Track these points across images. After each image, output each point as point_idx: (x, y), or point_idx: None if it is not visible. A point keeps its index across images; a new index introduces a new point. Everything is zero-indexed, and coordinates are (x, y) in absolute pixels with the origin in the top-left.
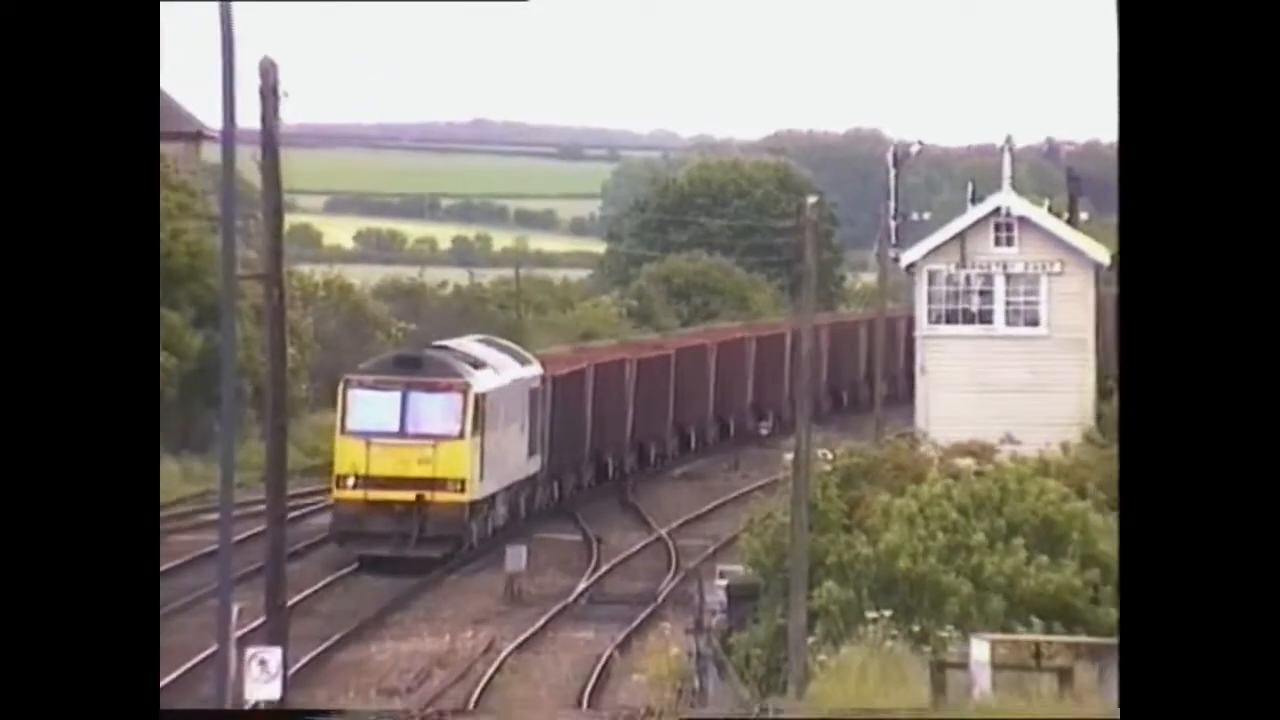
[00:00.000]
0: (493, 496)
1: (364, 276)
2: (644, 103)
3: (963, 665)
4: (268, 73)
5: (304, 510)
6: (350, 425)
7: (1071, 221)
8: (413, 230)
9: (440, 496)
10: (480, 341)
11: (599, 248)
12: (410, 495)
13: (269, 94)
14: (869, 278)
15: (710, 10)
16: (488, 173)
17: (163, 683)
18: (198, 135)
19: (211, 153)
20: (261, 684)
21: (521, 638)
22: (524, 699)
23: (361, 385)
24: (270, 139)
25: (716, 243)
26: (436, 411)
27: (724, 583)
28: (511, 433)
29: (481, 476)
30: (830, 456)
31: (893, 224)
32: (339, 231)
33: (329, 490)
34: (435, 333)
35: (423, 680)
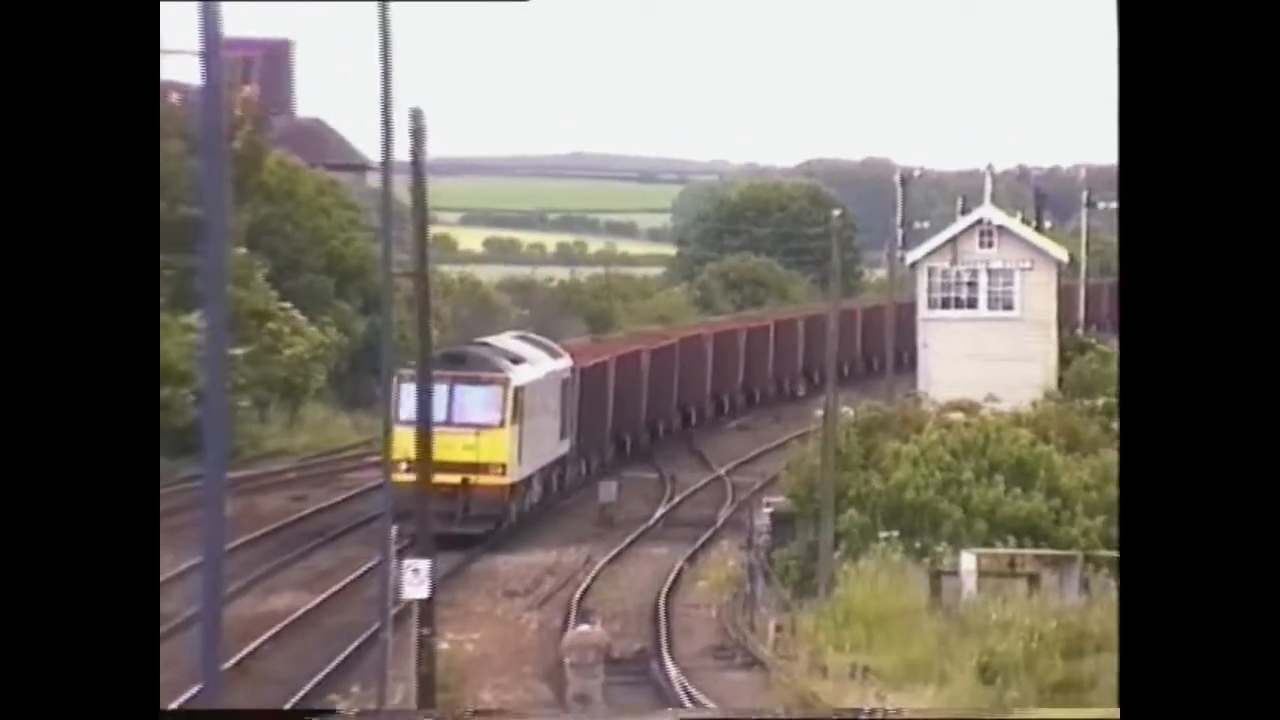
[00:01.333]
0: (530, 478)
1: (489, 275)
2: (704, 136)
3: (954, 573)
4: (416, 118)
5: None
6: (403, 415)
7: (1038, 229)
8: (526, 238)
9: (483, 479)
10: (518, 338)
11: (670, 250)
12: (456, 478)
13: (417, 134)
14: (881, 273)
15: (756, 63)
16: (584, 193)
17: (339, 587)
18: (364, 166)
19: (374, 180)
20: (415, 587)
21: (612, 553)
22: (622, 595)
23: (413, 380)
24: (418, 169)
25: (762, 246)
26: (479, 403)
27: (769, 511)
28: (546, 420)
29: (520, 460)
30: (852, 412)
31: (900, 231)
32: (470, 240)
33: None
34: (545, 317)
35: (537, 584)
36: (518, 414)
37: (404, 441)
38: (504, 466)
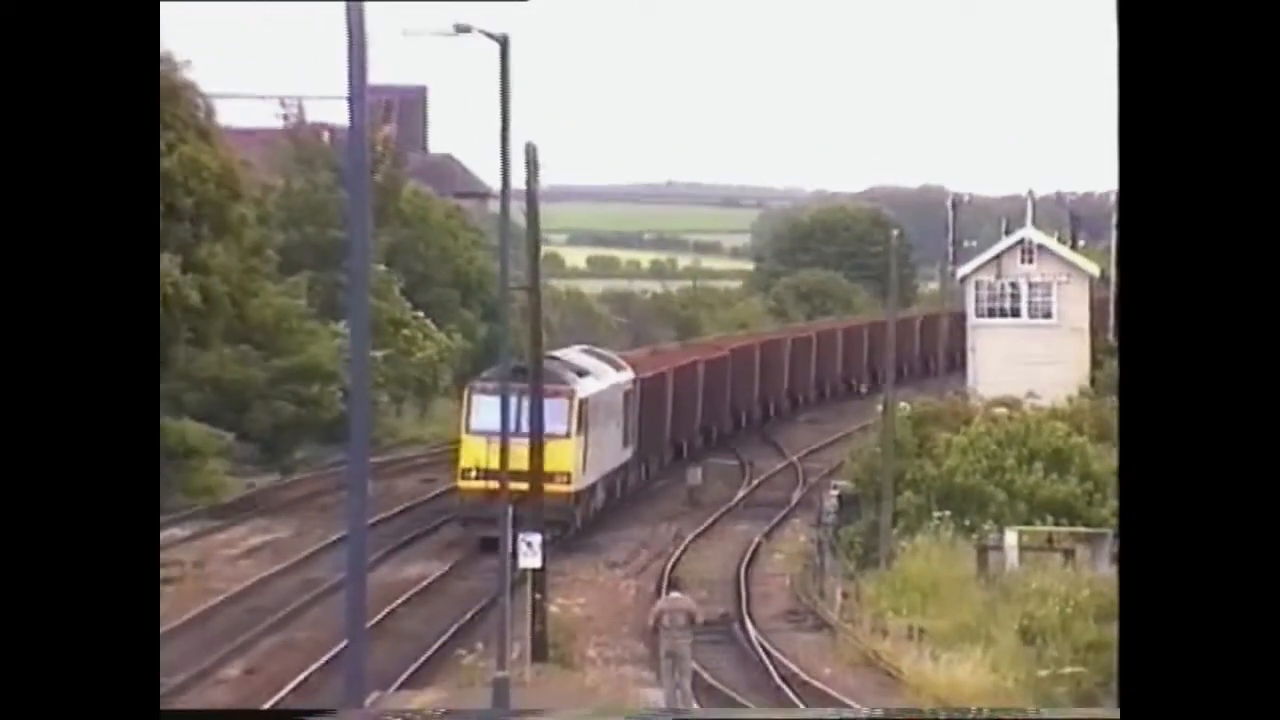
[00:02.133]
0: (594, 485)
1: (591, 288)
2: (780, 166)
3: (998, 548)
4: (530, 152)
5: None
6: (474, 425)
7: (1073, 247)
8: (624, 255)
9: (549, 487)
10: (584, 351)
11: (749, 266)
12: (524, 486)
13: (531, 166)
14: (934, 286)
15: (826, 100)
16: (674, 216)
17: (454, 563)
18: (486, 194)
19: (494, 206)
20: (529, 558)
21: (699, 530)
22: (706, 565)
23: (484, 391)
24: (531, 196)
25: (829, 263)
26: (548, 414)
27: (836, 493)
28: (610, 429)
29: (584, 469)
30: (909, 407)
31: (951, 249)
32: (576, 257)
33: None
34: (640, 325)
35: (633, 556)
36: (583, 425)
37: (473, 450)
38: (569, 475)
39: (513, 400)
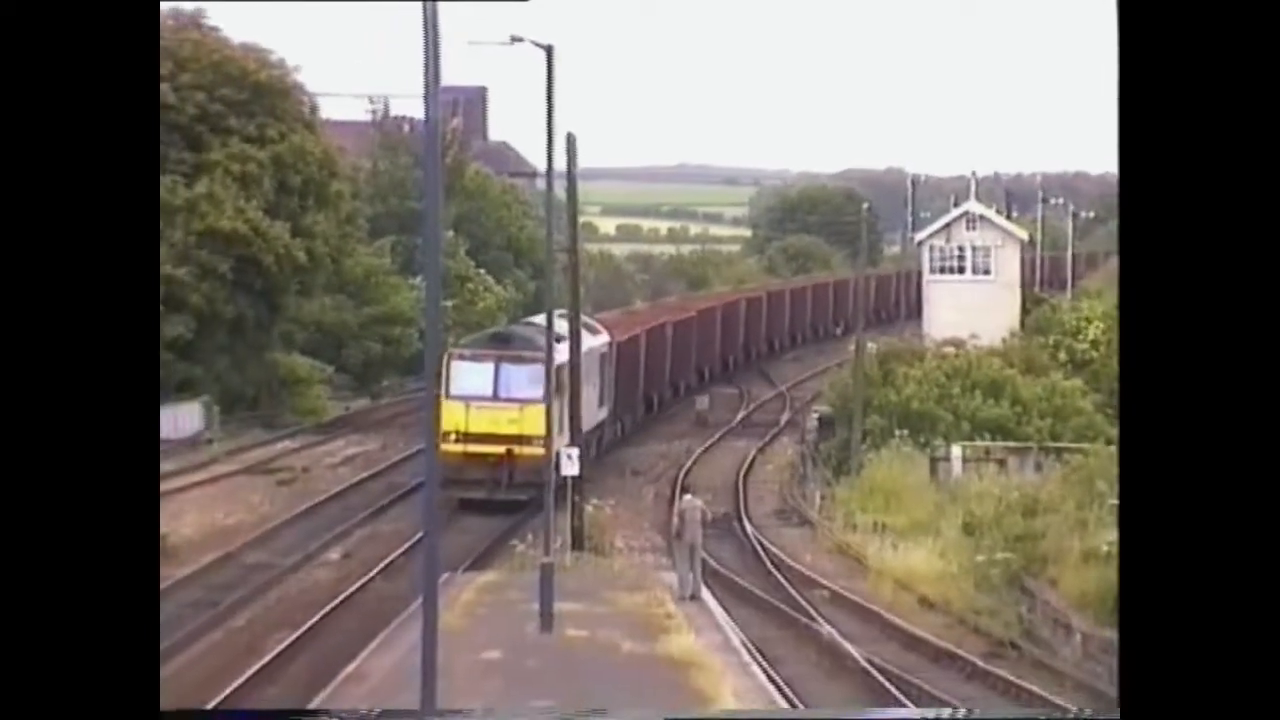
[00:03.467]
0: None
1: (619, 250)
2: (772, 151)
3: (946, 459)
4: (570, 140)
5: None
6: (453, 391)
7: (1008, 218)
8: (646, 224)
9: (526, 450)
10: (563, 316)
11: (747, 233)
12: (501, 449)
13: (571, 151)
14: (896, 249)
15: (810, 97)
16: (686, 192)
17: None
18: (534, 174)
19: (541, 183)
20: (568, 467)
21: (705, 445)
22: (711, 473)
23: (462, 358)
24: (571, 175)
25: (812, 230)
26: (524, 379)
27: (816, 416)
28: (586, 391)
29: (561, 431)
30: (875, 347)
31: (909, 219)
32: (607, 226)
33: None
34: (659, 281)
35: (652, 466)
36: (559, 389)
37: (453, 414)
38: (544, 439)
39: (491, 366)
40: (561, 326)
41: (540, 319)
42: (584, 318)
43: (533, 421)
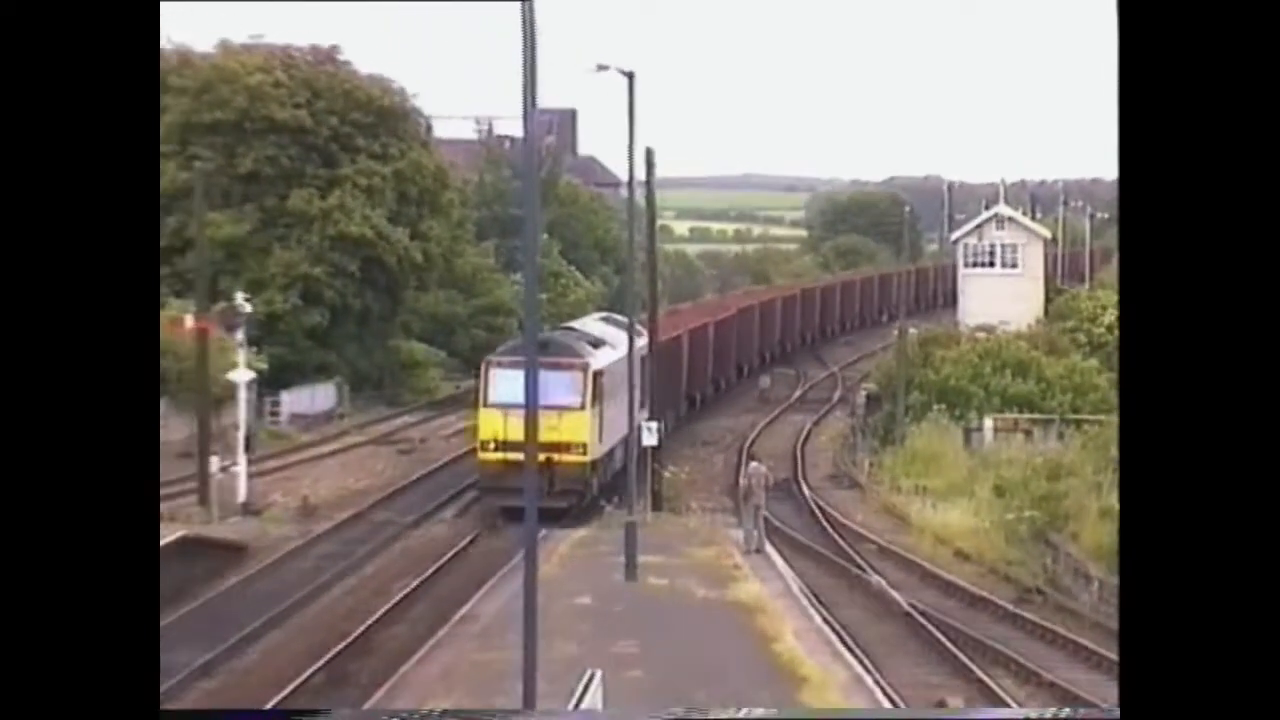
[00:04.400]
0: (610, 452)
1: (692, 249)
2: (825, 161)
3: (979, 430)
4: (649, 154)
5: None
6: (491, 399)
7: (1032, 218)
8: (715, 226)
9: (565, 457)
10: (601, 319)
11: (804, 233)
12: (541, 457)
13: (649, 164)
14: (934, 247)
15: (859, 113)
16: (751, 198)
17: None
18: (617, 184)
19: (623, 192)
20: (649, 438)
21: (767, 419)
22: (773, 443)
23: (500, 365)
24: (649, 185)
25: (860, 231)
26: (562, 387)
27: (865, 393)
28: (624, 396)
29: (600, 439)
30: (916, 332)
31: (946, 221)
32: (681, 227)
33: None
34: (726, 276)
35: (721, 438)
36: (597, 396)
37: (491, 423)
38: (584, 445)
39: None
40: (599, 330)
41: (581, 322)
42: (622, 319)
43: (571, 428)
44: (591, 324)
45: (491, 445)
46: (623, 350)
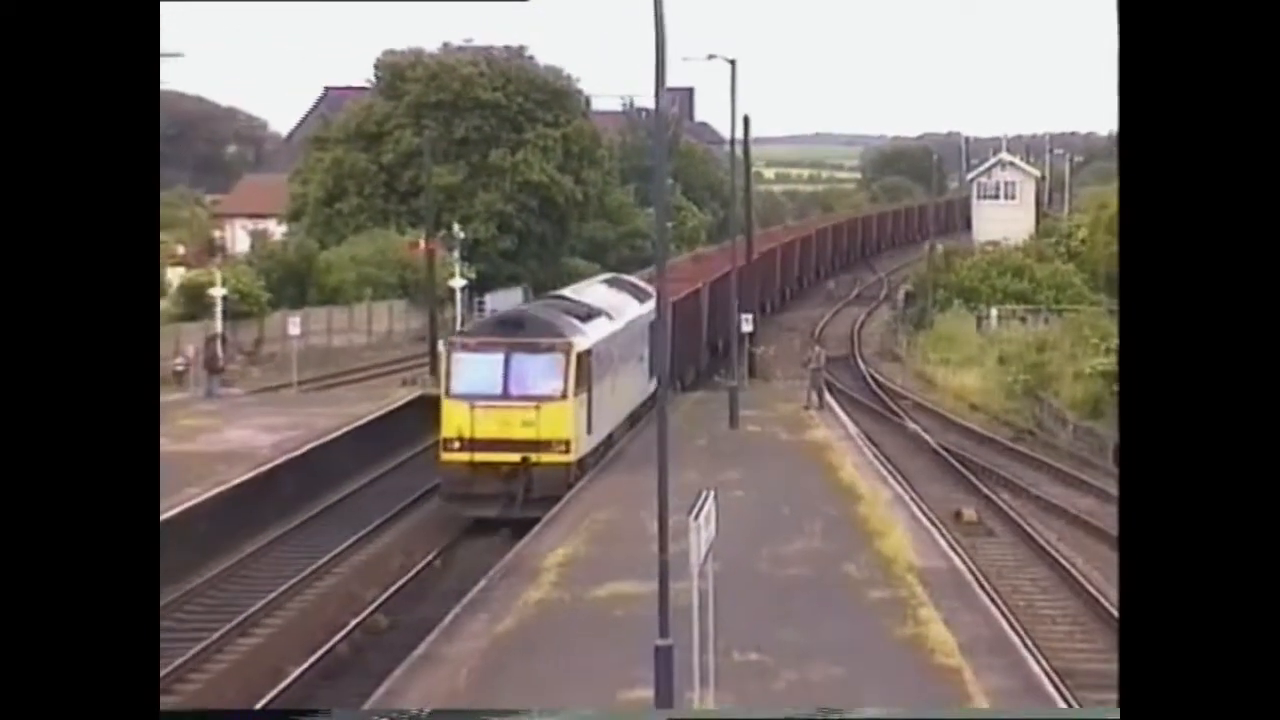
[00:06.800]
0: (610, 435)
1: (776, 189)
2: (876, 121)
3: (987, 317)
4: (746, 120)
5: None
6: (454, 389)
7: (1027, 163)
8: (794, 171)
9: (545, 457)
10: (607, 282)
11: (859, 176)
12: (515, 457)
13: (746, 125)
14: (955, 185)
15: (900, 80)
16: (820, 150)
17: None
18: (723, 141)
19: (727, 149)
20: (745, 325)
21: (831, 311)
22: (836, 329)
23: (465, 348)
24: (746, 142)
25: (901, 173)
26: (539, 373)
27: (904, 291)
28: (627, 371)
29: (590, 429)
30: (941, 247)
31: (964, 165)
32: (769, 173)
33: None
34: (802, 208)
35: (796, 325)
36: (583, 381)
37: (455, 416)
38: (567, 443)
39: (500, 357)
40: (598, 296)
41: (580, 286)
42: (631, 280)
43: (551, 423)
44: (592, 289)
45: (456, 444)
46: (631, 315)
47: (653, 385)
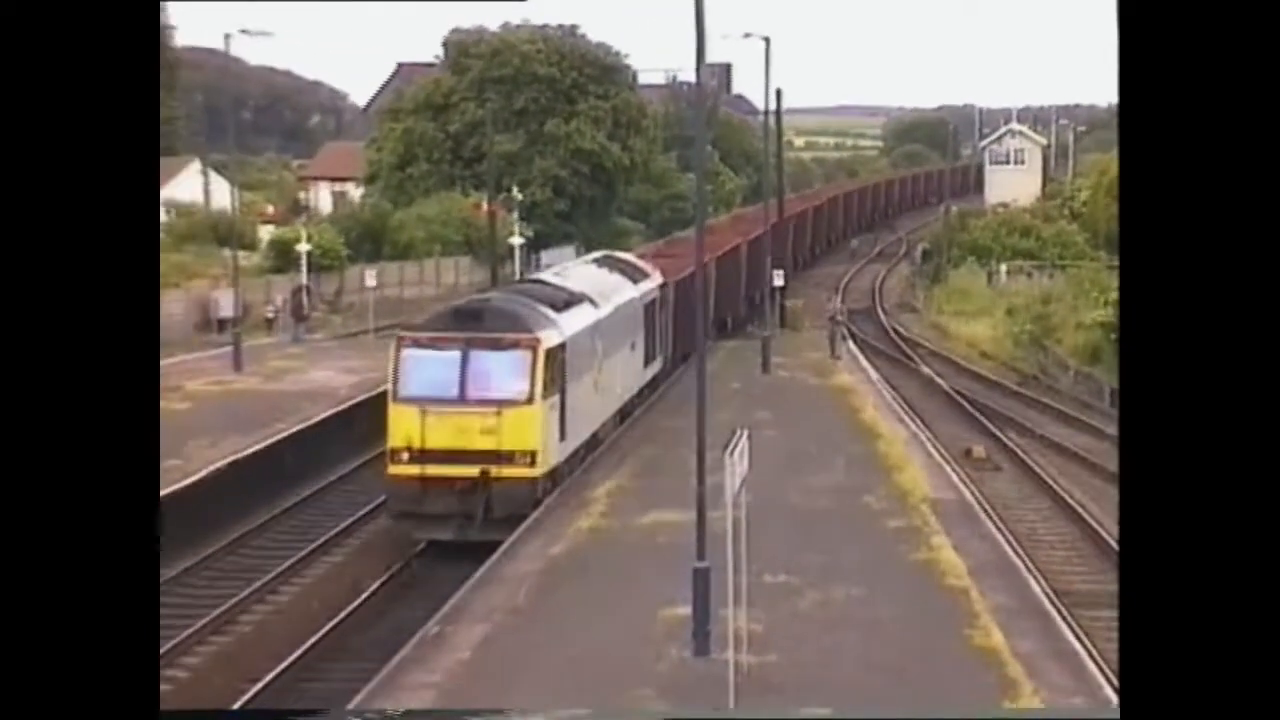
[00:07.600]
0: (594, 435)
1: (805, 156)
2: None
3: (997, 273)
4: (779, 93)
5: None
6: (403, 391)
7: (1034, 131)
8: (822, 139)
9: (508, 471)
10: (598, 260)
11: (881, 144)
12: (473, 470)
13: (779, 98)
14: (968, 152)
15: (920, 54)
16: (845, 121)
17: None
18: (758, 111)
19: (761, 118)
20: (777, 279)
21: (856, 268)
22: (859, 284)
23: (416, 344)
24: (778, 113)
25: (920, 142)
26: (501, 372)
27: (921, 249)
28: (614, 364)
29: (563, 435)
30: (956, 208)
31: (977, 134)
32: (799, 141)
33: None
34: (829, 174)
35: (824, 280)
36: (556, 382)
37: (405, 424)
38: (533, 454)
39: (456, 355)
40: (585, 277)
41: (561, 266)
42: (626, 258)
43: (515, 431)
44: (579, 270)
45: (405, 455)
46: (620, 299)
47: (649, 372)
